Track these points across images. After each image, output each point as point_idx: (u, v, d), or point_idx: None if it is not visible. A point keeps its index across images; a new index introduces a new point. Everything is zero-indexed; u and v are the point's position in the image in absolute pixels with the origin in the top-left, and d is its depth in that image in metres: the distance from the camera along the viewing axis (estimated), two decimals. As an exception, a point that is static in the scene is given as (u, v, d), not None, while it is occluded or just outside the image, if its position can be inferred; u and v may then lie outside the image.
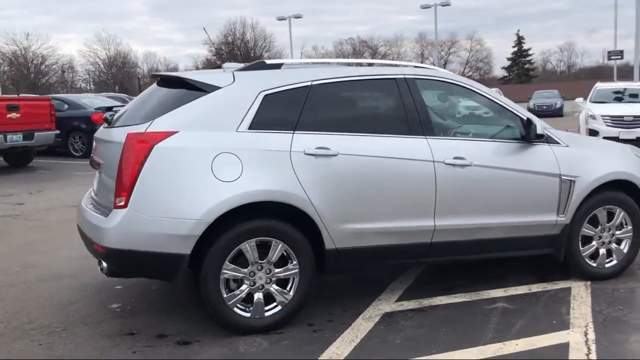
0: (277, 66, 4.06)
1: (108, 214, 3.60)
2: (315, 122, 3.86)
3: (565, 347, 3.53)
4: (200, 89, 3.74)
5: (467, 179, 4.14)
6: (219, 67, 4.58)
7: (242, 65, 4.39)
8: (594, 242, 4.64)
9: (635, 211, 4.68)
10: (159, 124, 3.58)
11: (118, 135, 3.70)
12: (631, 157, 4.86)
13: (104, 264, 3.63)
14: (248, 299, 3.70)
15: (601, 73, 69.80)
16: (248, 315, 3.69)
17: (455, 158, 4.09)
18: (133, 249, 3.49)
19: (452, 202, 4.12)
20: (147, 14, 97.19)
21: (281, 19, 43.43)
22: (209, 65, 66.25)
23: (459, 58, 72.11)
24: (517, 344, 3.57)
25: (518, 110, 4.45)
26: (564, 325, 3.85)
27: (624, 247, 4.71)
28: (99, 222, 3.64)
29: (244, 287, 3.66)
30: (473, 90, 4.44)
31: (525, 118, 4.38)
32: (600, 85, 15.09)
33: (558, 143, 4.48)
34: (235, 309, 3.66)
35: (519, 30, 69.59)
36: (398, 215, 4.00)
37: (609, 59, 35.36)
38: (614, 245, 4.69)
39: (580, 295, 4.37)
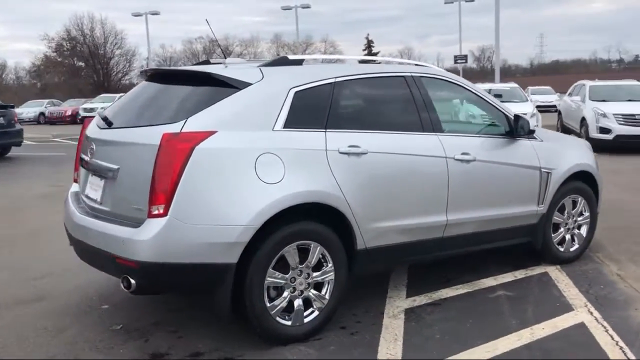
0: (299, 62, 3.90)
1: (138, 225, 3.20)
2: (342, 119, 3.77)
3: (582, 326, 3.81)
4: (230, 85, 3.46)
5: (472, 174, 4.30)
6: (207, 62, 4.29)
7: (242, 60, 4.17)
8: (561, 229, 5.06)
9: (591, 198, 5.19)
10: (194, 123, 3.25)
11: (144, 135, 3.31)
12: (586, 149, 5.37)
13: (132, 281, 3.21)
14: (287, 306, 3.51)
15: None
16: (289, 323, 3.51)
17: (462, 154, 4.23)
18: (173, 261, 3.15)
19: (460, 196, 4.25)
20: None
21: (137, 15, 41.35)
22: (48, 61, 60.83)
23: (314, 60, 73.71)
24: (543, 328, 3.78)
25: (505, 108, 4.71)
26: (567, 306, 4.14)
27: (584, 232, 5.19)
28: (126, 234, 3.22)
29: (285, 294, 3.48)
30: (467, 89, 4.63)
31: (512, 115, 4.64)
32: (472, 87, 16.40)
33: (535, 138, 4.81)
34: (277, 318, 3.46)
35: (368, 35, 73.38)
36: (419, 212, 4.04)
37: (455, 62, 38.50)
38: (576, 231, 5.15)
39: (561, 278, 4.74)
